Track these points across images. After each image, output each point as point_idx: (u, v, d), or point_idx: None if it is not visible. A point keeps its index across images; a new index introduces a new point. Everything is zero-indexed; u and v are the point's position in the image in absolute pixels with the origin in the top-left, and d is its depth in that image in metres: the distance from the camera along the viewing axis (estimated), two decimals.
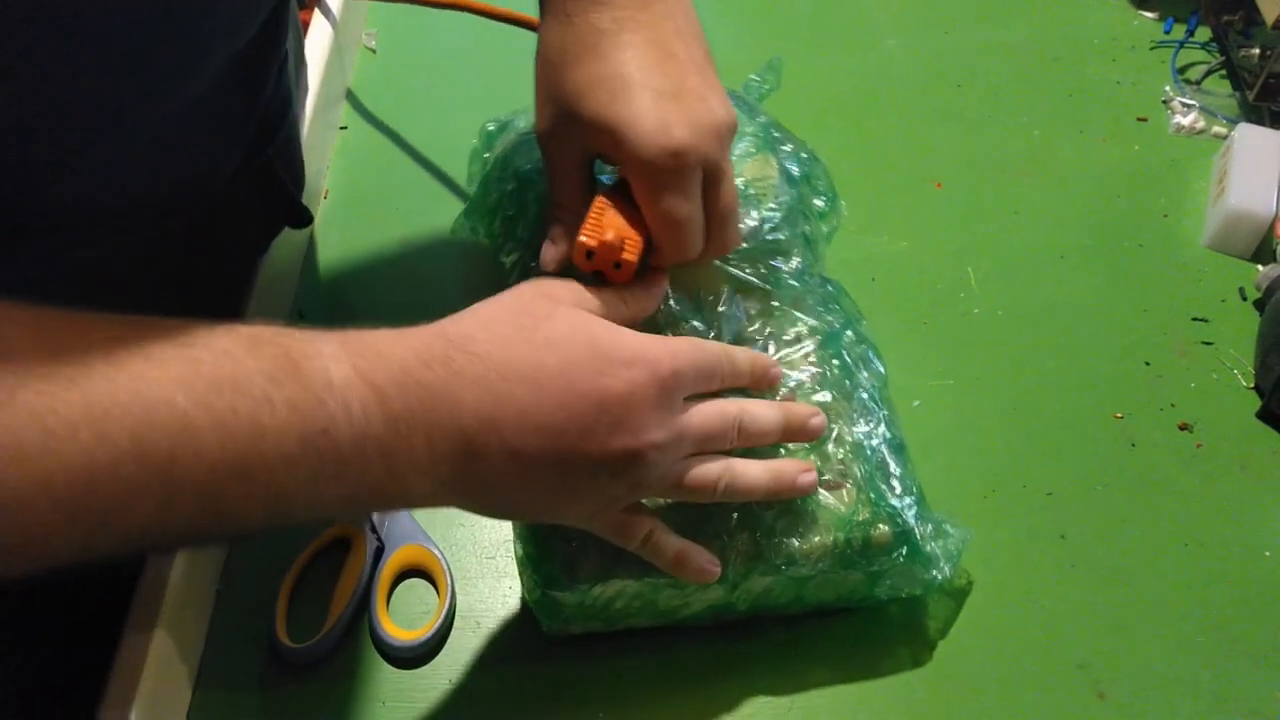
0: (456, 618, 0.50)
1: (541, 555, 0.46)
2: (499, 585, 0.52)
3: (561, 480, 0.40)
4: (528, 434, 0.38)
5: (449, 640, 0.50)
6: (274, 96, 0.54)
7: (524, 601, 0.50)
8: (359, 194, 0.71)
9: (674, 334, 0.48)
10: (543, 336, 0.40)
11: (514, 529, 0.49)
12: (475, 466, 0.38)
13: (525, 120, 0.61)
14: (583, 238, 0.44)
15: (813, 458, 0.48)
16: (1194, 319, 0.64)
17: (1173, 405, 0.60)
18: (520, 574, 0.48)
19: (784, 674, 0.49)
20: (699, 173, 0.44)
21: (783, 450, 0.48)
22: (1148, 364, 0.62)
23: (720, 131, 0.44)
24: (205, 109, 0.47)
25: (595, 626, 0.48)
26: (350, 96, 0.78)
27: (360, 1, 0.82)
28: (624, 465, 0.40)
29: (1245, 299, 0.65)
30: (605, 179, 0.50)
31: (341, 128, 0.76)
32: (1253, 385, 0.61)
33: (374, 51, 0.82)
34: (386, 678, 0.48)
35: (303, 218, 0.61)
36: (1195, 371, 0.61)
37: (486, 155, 0.62)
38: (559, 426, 0.38)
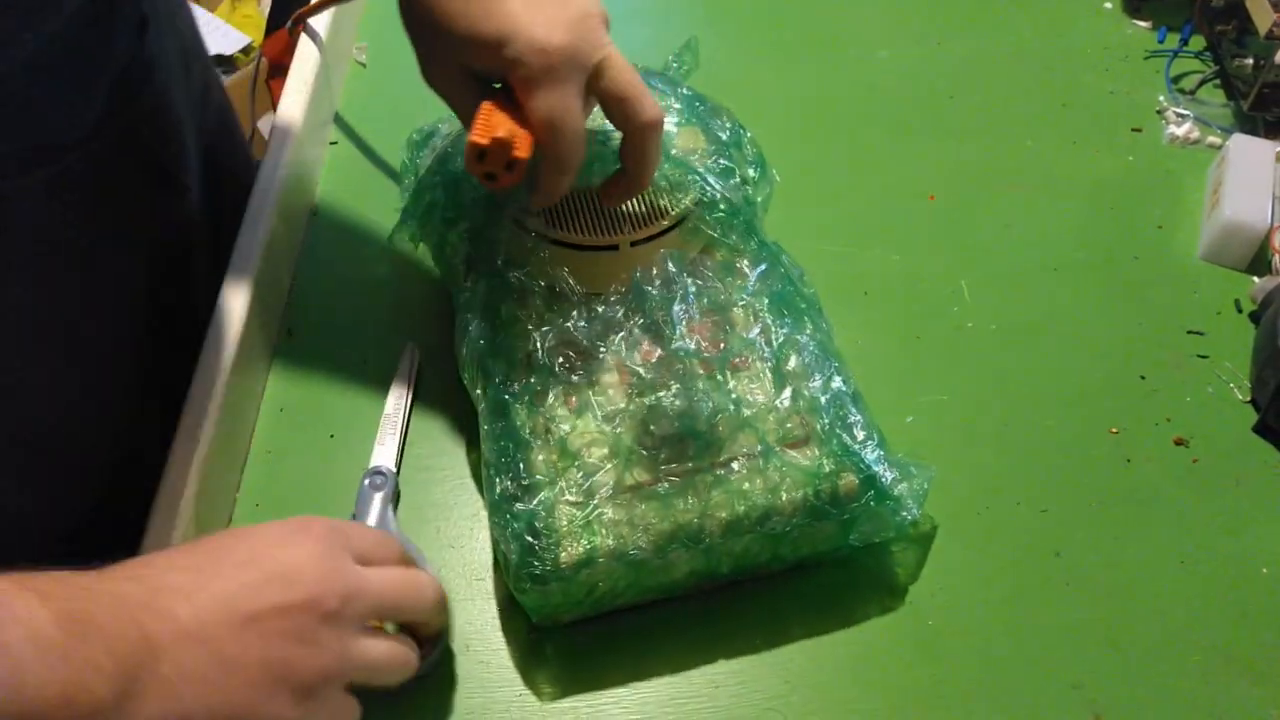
0: (447, 640, 0.50)
1: (523, 550, 0.46)
2: (489, 607, 0.51)
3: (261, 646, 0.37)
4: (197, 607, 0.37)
5: (440, 664, 0.49)
6: (133, 62, 0.54)
7: (515, 623, 0.50)
8: (349, 208, 0.71)
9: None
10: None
11: (491, 525, 0.49)
12: (159, 660, 0.35)
13: (449, 125, 0.62)
14: (473, 138, 0.46)
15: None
16: (1189, 332, 0.64)
17: (1168, 420, 0.59)
18: (504, 571, 0.48)
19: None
20: (580, 74, 0.46)
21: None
22: (1143, 378, 0.61)
23: (593, 23, 0.46)
24: (46, 70, 0.47)
25: (584, 612, 0.49)
26: (340, 111, 0.78)
27: (350, 13, 0.82)
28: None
29: (1241, 311, 0.65)
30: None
31: (331, 143, 0.75)
32: (1249, 399, 0.60)
33: (364, 65, 0.82)
34: (376, 706, 0.48)
35: (183, 194, 0.61)
36: (1191, 385, 0.61)
37: (417, 162, 0.63)
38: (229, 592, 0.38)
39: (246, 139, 0.78)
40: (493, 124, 0.46)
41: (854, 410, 0.50)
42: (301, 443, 0.58)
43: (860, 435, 0.49)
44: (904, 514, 0.48)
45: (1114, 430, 0.59)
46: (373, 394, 0.59)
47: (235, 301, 0.58)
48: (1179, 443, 0.58)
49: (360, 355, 0.61)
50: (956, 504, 0.55)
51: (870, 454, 0.48)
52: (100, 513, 0.56)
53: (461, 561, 0.53)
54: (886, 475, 0.48)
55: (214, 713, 0.36)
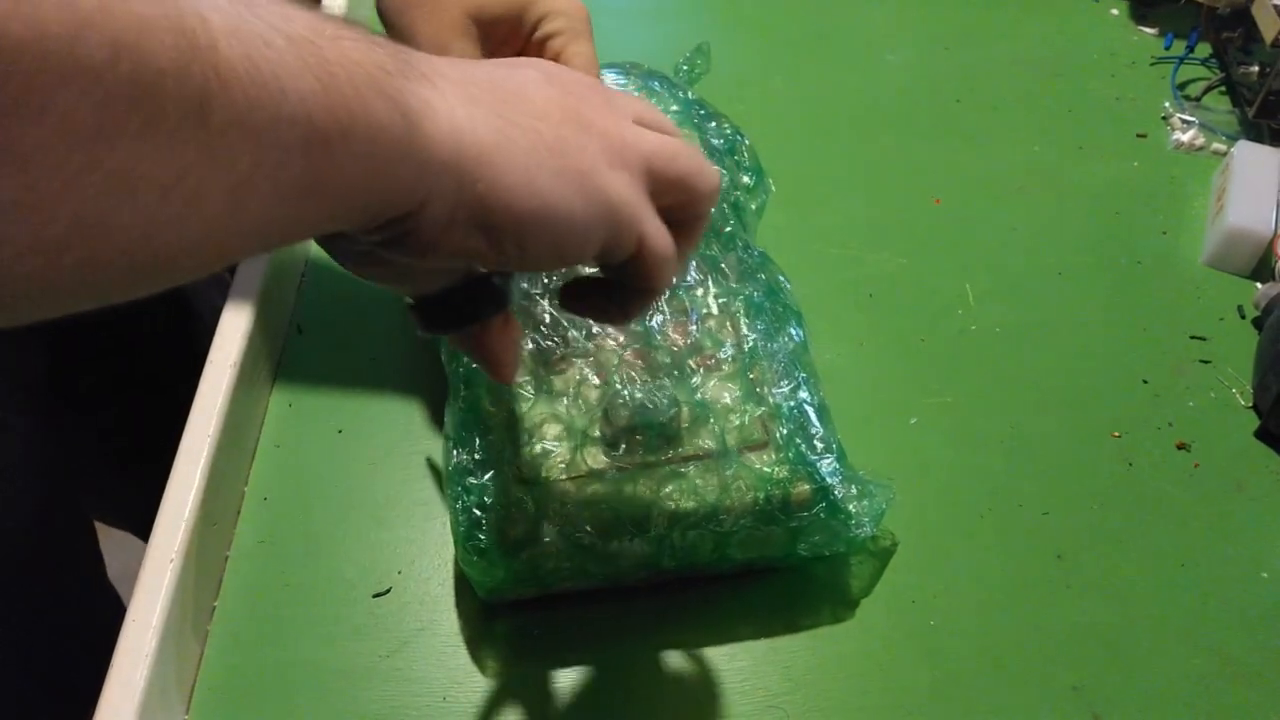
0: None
1: (471, 523, 0.47)
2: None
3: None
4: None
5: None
6: None
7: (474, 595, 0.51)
8: None
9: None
10: None
11: (445, 497, 0.49)
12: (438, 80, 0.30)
13: None
14: None
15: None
16: (1192, 337, 0.64)
17: (1170, 424, 0.60)
18: (454, 542, 0.48)
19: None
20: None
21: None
22: (1146, 382, 0.62)
23: None
24: None
25: (530, 591, 0.49)
26: None
27: (362, 13, 0.82)
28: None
29: (1244, 317, 0.65)
30: None
31: None
32: (1251, 404, 0.60)
33: None
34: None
35: None
36: (1193, 390, 0.61)
37: None
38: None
39: None
40: None
41: (816, 422, 0.50)
42: (309, 437, 0.58)
43: (819, 447, 0.49)
44: (857, 530, 0.48)
45: (1116, 434, 0.59)
46: (381, 391, 0.60)
47: (246, 297, 0.59)
48: (1181, 447, 0.59)
49: (369, 352, 0.62)
50: (958, 505, 0.56)
51: (826, 466, 0.48)
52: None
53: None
54: (840, 489, 0.48)
55: (530, 128, 0.31)
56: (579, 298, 0.39)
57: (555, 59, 0.47)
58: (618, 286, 0.37)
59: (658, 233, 0.35)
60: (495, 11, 0.46)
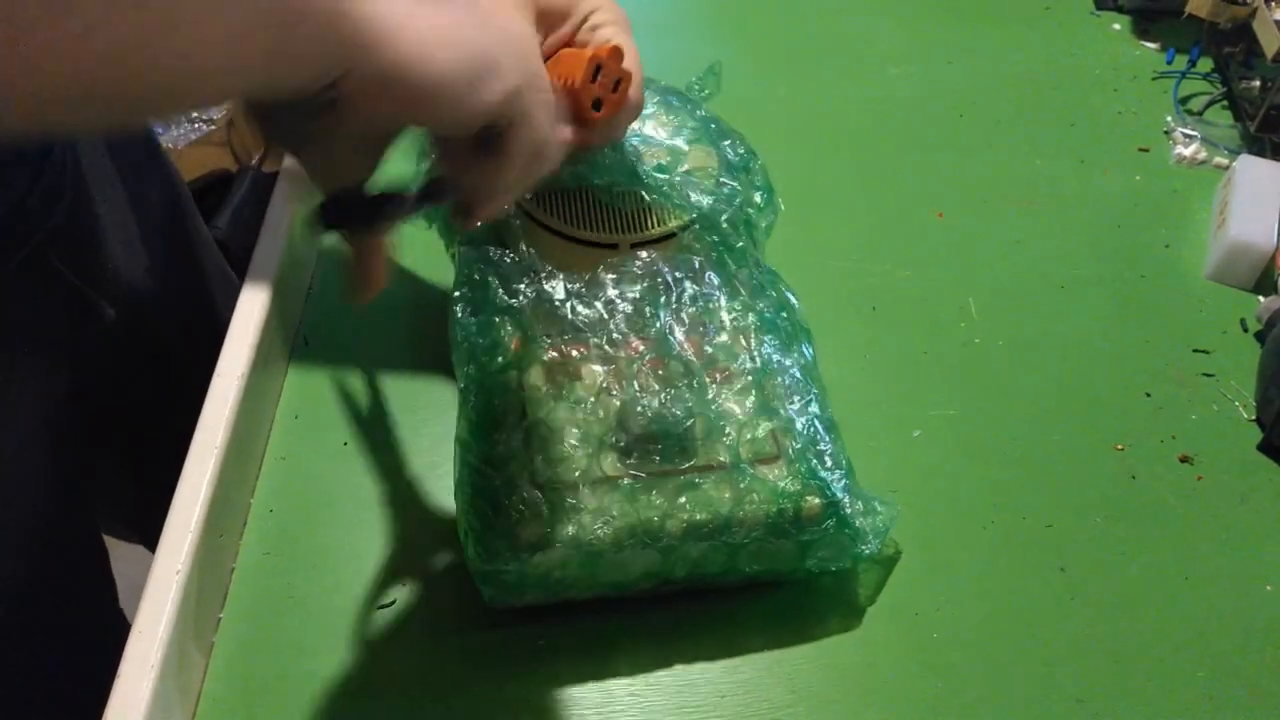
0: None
1: (484, 526, 0.47)
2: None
3: None
4: None
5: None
6: (31, 189, 0.54)
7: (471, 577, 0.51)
8: None
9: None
10: None
11: (456, 501, 0.49)
12: None
13: None
14: (589, 55, 0.48)
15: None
16: (1195, 350, 0.64)
17: (1173, 437, 0.60)
18: (464, 545, 0.48)
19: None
20: None
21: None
22: (1149, 395, 0.62)
23: None
24: None
25: (538, 598, 0.50)
26: None
27: None
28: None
29: (1246, 330, 0.65)
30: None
31: None
32: (1254, 418, 0.61)
33: None
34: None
35: (102, 314, 0.61)
36: (1196, 403, 0.61)
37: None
38: None
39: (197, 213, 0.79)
40: (579, 51, 0.49)
41: (827, 438, 0.50)
42: (315, 450, 0.58)
43: (829, 462, 0.49)
44: (863, 546, 0.49)
45: (1119, 446, 0.59)
46: (387, 403, 0.60)
47: (253, 310, 0.59)
48: (1184, 460, 0.59)
49: (375, 365, 0.62)
50: (962, 518, 0.56)
51: (836, 482, 0.49)
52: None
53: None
54: (849, 505, 0.48)
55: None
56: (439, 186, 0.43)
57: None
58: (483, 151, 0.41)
59: (546, 119, 0.41)
60: (551, 3, 0.50)
